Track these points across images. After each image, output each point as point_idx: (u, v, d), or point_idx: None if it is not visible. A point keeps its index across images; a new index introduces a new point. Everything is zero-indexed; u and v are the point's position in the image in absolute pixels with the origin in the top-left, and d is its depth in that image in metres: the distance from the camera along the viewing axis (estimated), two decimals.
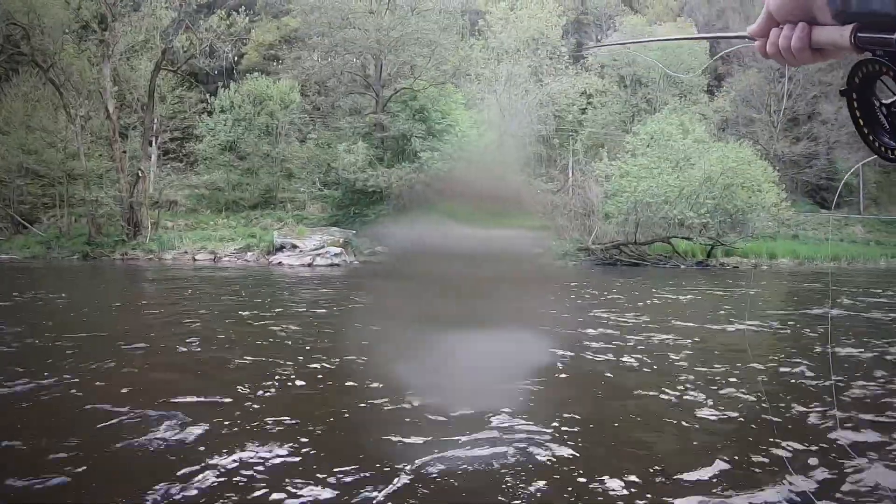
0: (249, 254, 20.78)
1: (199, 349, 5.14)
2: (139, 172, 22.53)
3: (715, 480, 2.40)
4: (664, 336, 6.01)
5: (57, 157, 24.71)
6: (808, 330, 6.63)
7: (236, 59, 25.55)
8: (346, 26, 22.99)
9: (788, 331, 6.59)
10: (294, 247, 20.40)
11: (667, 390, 3.79)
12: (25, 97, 26.68)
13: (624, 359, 4.88)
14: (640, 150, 24.22)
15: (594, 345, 5.43)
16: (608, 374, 4.34)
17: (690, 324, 7.00)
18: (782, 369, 4.48)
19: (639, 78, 28.38)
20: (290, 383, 3.93)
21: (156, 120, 23.97)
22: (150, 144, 23.54)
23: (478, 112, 23.35)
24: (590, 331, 6.26)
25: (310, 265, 19.49)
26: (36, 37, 23.68)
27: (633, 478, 2.39)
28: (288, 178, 22.82)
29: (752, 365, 4.66)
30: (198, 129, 24.74)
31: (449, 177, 21.81)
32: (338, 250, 20.15)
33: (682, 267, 22.95)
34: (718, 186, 22.96)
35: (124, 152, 23.20)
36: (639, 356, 4.96)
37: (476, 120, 22.62)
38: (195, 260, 20.94)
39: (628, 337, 5.93)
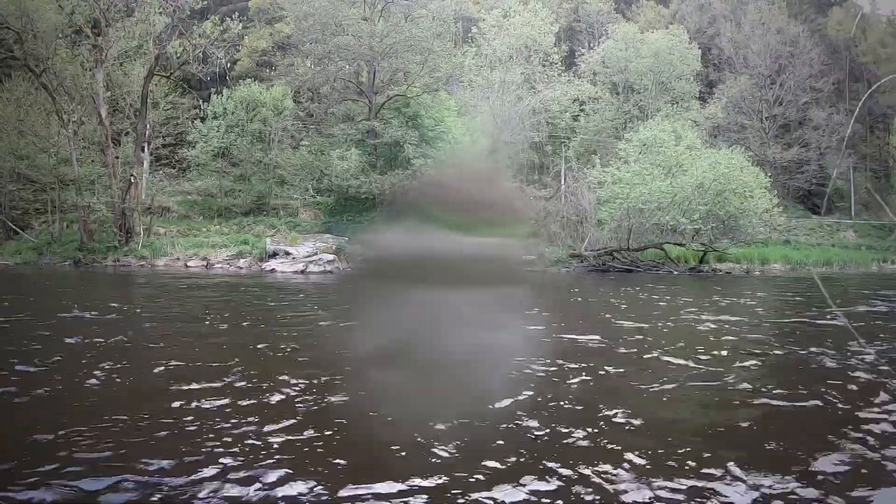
0: (242, 260, 20.75)
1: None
2: (131, 178, 22.46)
3: None
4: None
5: (49, 162, 24.62)
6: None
7: (229, 65, 25.50)
8: (339, 33, 23.03)
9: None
10: (287, 253, 20.39)
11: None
12: (18, 102, 26.56)
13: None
14: (633, 157, 24.32)
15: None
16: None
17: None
18: None
19: (631, 85, 28.55)
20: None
21: (148, 126, 23.93)
22: (143, 150, 23.49)
23: (471, 119, 23.41)
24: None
25: (303, 272, 19.48)
26: (29, 41, 23.59)
27: None
28: (281, 185, 22.83)
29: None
30: (190, 136, 24.71)
31: (441, 183, 21.86)
32: (331, 257, 20.15)
33: (675, 273, 23.06)
34: (710, 193, 23.09)
35: (117, 158, 23.14)
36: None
37: (469, 127, 22.69)
38: (187, 266, 20.89)
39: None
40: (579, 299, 12.62)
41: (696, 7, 34.42)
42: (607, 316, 9.29)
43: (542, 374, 4.97)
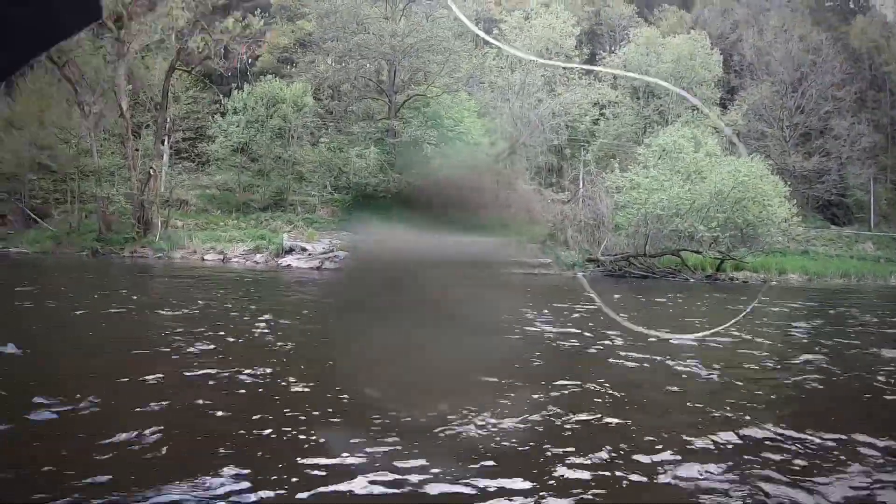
0: (258, 255, 20.78)
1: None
2: (151, 171, 22.59)
3: None
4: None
5: (69, 153, 24.82)
6: None
7: (250, 61, 25.66)
8: (360, 31, 23.04)
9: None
10: (303, 250, 20.40)
11: None
12: (40, 93, 26.82)
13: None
14: (652, 163, 24.16)
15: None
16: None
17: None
18: None
19: (651, 90, 28.37)
20: None
21: (169, 119, 24.07)
22: (163, 143, 23.62)
23: (490, 120, 23.32)
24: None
25: (318, 268, 19.49)
26: None
27: None
28: (299, 181, 22.89)
29: None
30: (210, 130, 24.83)
31: (457, 184, 21.81)
32: (346, 254, 20.12)
33: (692, 280, 22.88)
34: (729, 200, 22.87)
35: (137, 150, 23.27)
36: None
37: (488, 128, 22.61)
38: (204, 260, 20.96)
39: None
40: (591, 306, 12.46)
41: (718, 12, 34.16)
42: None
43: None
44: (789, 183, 25.60)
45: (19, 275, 15.00)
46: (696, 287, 19.54)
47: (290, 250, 20.52)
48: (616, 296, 14.27)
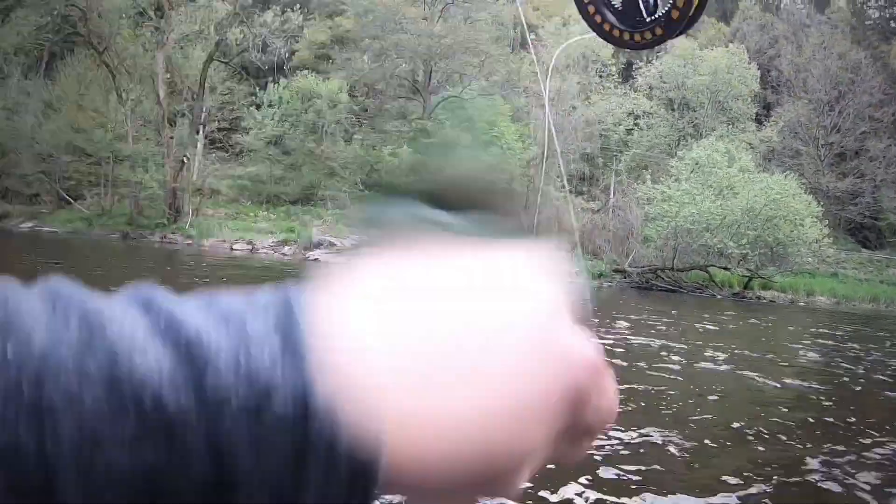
0: (287, 248, 20.90)
1: None
2: (184, 159, 22.85)
3: None
4: None
5: (105, 137, 25.18)
6: None
7: (288, 55, 25.86)
8: (398, 31, 23.09)
9: None
10: (332, 244, 20.47)
11: None
12: (79, 77, 27.32)
13: None
14: (684, 176, 23.89)
15: None
16: None
17: None
18: None
19: (687, 102, 28.01)
20: None
21: (205, 109, 24.33)
22: (198, 133, 23.89)
23: (524, 126, 23.20)
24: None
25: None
26: (93, 20, 24.17)
27: None
28: (330, 177, 23.00)
29: None
30: (245, 122, 25.06)
31: (491, 189, 21.69)
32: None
33: (718, 297, 22.59)
34: (761, 218, 22.56)
35: (171, 138, 23.57)
36: None
37: (522, 133, 22.48)
38: (232, 249, 21.13)
39: None
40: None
41: (757, 26, 33.67)
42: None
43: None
44: (822, 203, 25.11)
45: (53, 254, 15.26)
46: (723, 304, 19.30)
47: (319, 244, 20.60)
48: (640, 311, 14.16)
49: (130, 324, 0.18)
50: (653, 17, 1.09)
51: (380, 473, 0.18)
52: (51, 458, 0.16)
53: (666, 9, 1.08)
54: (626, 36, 1.13)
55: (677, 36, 1.12)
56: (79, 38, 26.73)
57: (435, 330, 0.21)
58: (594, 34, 1.25)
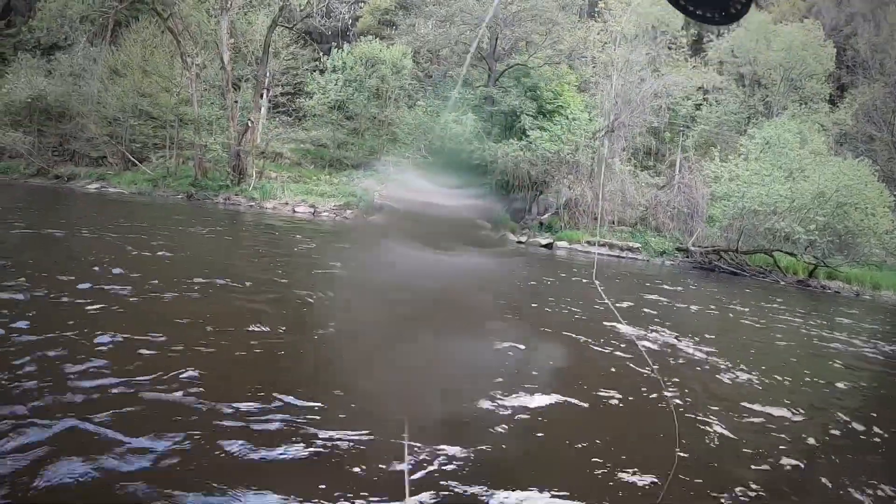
0: (349, 211, 20.99)
1: None
2: (249, 122, 23.09)
3: None
4: None
5: (170, 101, 25.67)
6: None
7: (351, 21, 25.77)
8: None
9: None
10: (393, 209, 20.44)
11: None
12: (144, 43, 27.84)
13: None
14: (754, 155, 23.03)
15: None
16: None
17: None
18: None
19: (758, 78, 26.89)
20: None
21: (268, 74, 24.50)
22: (262, 97, 24.08)
23: (590, 96, 22.64)
24: None
25: None
26: None
27: None
28: (393, 143, 22.95)
29: None
30: (309, 87, 25.15)
31: (556, 159, 21.36)
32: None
33: (782, 283, 21.86)
34: (831, 204, 21.63)
35: (236, 102, 23.83)
36: None
37: (588, 104, 21.95)
38: (294, 211, 21.33)
39: None
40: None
41: (833, 2, 32.03)
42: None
43: None
44: (894, 192, 23.88)
45: (119, 213, 15.59)
46: (788, 291, 18.59)
47: (381, 208, 20.59)
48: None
49: None
50: None
51: None
52: None
53: None
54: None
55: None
56: (143, 5, 27.19)
57: None
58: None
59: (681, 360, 4.91)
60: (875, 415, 3.94)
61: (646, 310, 7.88)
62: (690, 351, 5.34)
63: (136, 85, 26.64)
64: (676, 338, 5.83)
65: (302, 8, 24.56)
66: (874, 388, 5.17)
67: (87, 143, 27.81)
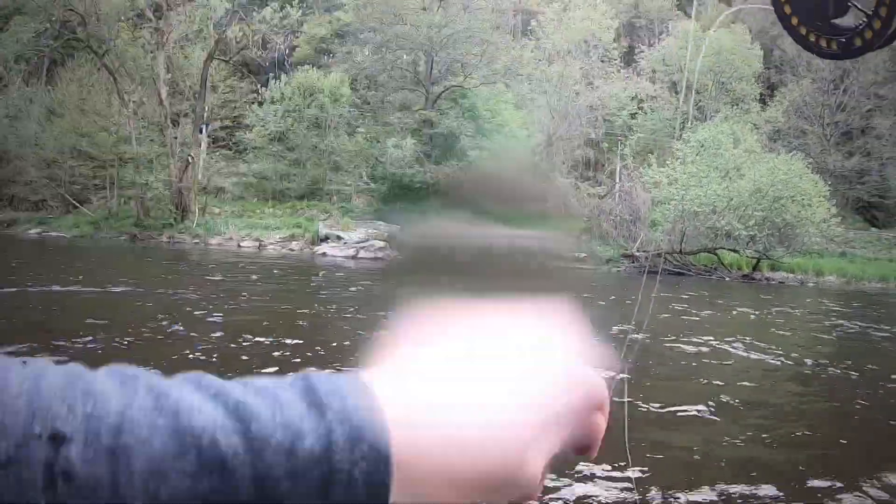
0: (294, 243, 20.92)
1: None
2: (189, 158, 22.85)
3: None
4: None
5: (109, 140, 25.24)
6: None
7: (288, 51, 25.80)
8: (397, 22, 22.99)
9: None
10: (339, 238, 20.45)
11: None
12: (80, 82, 27.34)
13: None
14: (690, 158, 23.76)
15: None
16: None
17: None
18: None
19: (690, 84, 27.82)
20: None
21: (207, 108, 24.32)
22: (201, 132, 23.89)
23: (527, 113, 23.08)
24: None
25: (353, 257, 19.52)
26: (92, 24, 24.18)
27: None
28: (335, 171, 23.00)
29: None
30: (248, 119, 25.06)
31: (496, 176, 21.69)
32: (382, 244, 20.14)
33: (727, 279, 22.54)
34: (768, 199, 22.43)
35: (175, 138, 23.59)
36: None
37: (526, 120, 22.38)
38: (240, 246, 21.15)
39: None
40: None
41: (759, 6, 33.32)
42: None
43: None
44: (829, 182, 24.93)
45: (62, 259, 15.25)
46: (734, 287, 19.24)
47: (326, 238, 20.59)
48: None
49: (188, 392, 0.24)
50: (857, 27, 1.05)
51: (391, 491, 0.24)
52: (122, 489, 0.21)
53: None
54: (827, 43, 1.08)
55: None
56: (78, 42, 26.75)
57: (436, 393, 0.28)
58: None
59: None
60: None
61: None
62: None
63: (74, 124, 26.12)
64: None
65: (238, 40, 24.51)
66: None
67: (25, 186, 27.14)
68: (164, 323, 5.78)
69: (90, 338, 4.87)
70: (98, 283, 9.19)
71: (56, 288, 8.43)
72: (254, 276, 12.77)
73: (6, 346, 4.64)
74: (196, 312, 6.82)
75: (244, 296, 9.20)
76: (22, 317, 6.36)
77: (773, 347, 6.34)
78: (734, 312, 10.16)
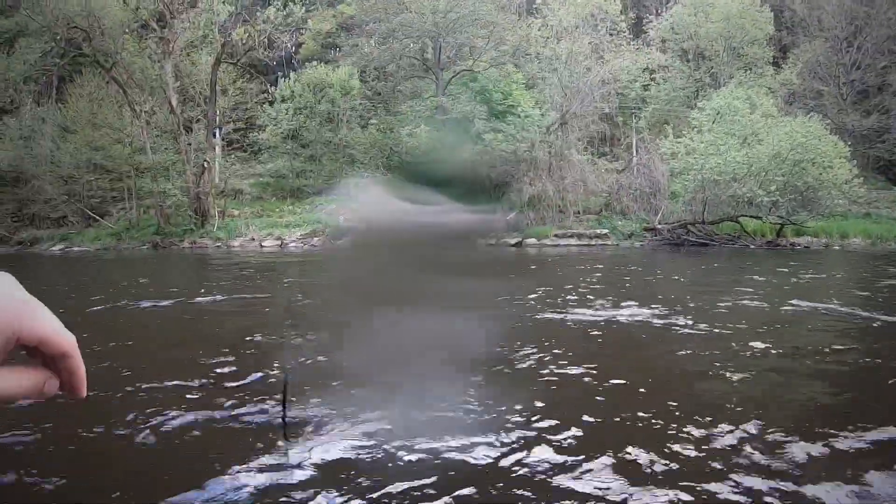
0: (315, 239, 20.92)
1: None
2: (205, 163, 22.93)
3: None
4: None
5: (124, 152, 25.39)
6: None
7: (294, 49, 25.75)
8: (402, 11, 22.84)
9: None
10: None
11: None
12: (90, 96, 27.51)
13: None
14: (706, 126, 23.44)
15: None
16: None
17: None
18: None
19: (701, 51, 27.39)
20: None
21: (218, 112, 24.37)
22: (214, 136, 23.94)
23: (539, 92, 22.86)
24: None
25: None
26: (97, 38, 24.27)
27: None
28: (351, 164, 22.96)
29: None
30: (260, 119, 25.08)
31: (513, 158, 21.53)
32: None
33: (752, 247, 22.25)
34: (788, 163, 22.08)
35: (189, 144, 23.66)
36: None
37: (538, 100, 22.16)
38: (262, 246, 21.19)
39: None
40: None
41: None
42: None
43: None
44: (849, 143, 24.44)
45: (85, 272, 15.31)
46: (758, 254, 18.93)
47: (348, 232, 20.56)
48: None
49: None
50: None
51: None
52: None
53: None
54: None
55: None
56: (85, 58, 26.92)
57: None
58: None
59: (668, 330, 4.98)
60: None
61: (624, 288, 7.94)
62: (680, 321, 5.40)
63: (88, 139, 26.31)
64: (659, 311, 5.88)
65: (244, 42, 24.50)
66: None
67: (45, 204, 27.40)
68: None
69: None
70: (188, 296, 9.00)
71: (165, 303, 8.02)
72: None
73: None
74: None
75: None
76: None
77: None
78: (793, 279, 9.91)
